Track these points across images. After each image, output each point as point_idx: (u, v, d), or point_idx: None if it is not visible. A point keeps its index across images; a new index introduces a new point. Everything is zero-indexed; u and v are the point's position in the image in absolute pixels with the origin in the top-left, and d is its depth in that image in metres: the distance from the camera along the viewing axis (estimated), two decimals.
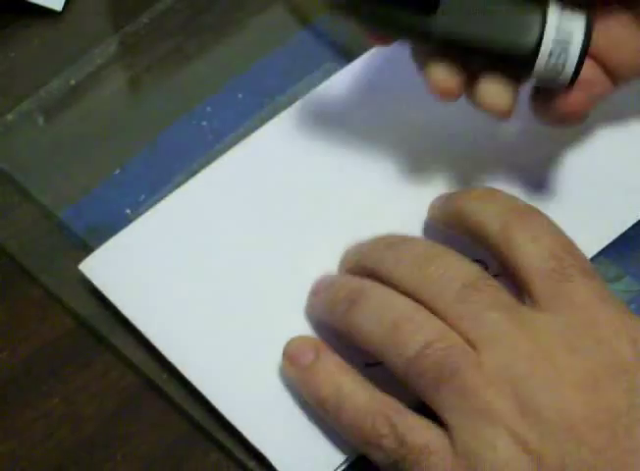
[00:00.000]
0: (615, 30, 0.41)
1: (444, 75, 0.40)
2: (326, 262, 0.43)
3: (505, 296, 0.37)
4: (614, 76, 0.42)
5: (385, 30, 0.40)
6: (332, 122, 0.47)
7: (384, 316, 0.38)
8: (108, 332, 0.43)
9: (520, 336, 0.36)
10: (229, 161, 0.46)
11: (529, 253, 0.37)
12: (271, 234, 0.44)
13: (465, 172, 0.46)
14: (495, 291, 0.37)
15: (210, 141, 0.48)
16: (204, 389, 0.41)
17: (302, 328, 0.42)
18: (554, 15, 0.39)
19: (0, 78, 0.50)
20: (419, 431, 0.36)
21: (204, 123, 0.49)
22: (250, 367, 0.41)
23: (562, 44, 0.39)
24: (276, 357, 0.41)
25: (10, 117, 0.49)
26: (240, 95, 0.49)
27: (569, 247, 0.38)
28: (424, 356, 0.36)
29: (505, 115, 0.40)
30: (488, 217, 0.39)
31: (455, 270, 0.38)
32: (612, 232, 0.45)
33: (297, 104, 0.48)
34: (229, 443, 0.41)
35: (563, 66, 0.39)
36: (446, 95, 0.40)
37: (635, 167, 0.47)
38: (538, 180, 0.46)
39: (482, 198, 0.40)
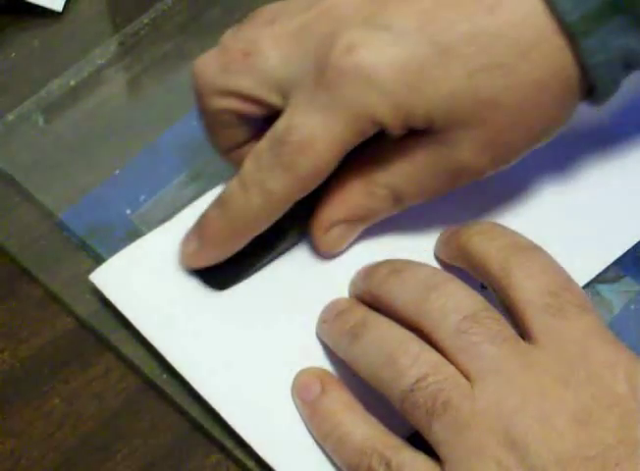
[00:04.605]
0: (413, 165, 0.41)
1: None
2: (341, 280, 0.43)
3: (504, 329, 0.37)
4: (402, 203, 0.42)
5: None
6: None
7: (381, 349, 0.38)
8: (108, 332, 0.43)
9: (515, 370, 0.36)
10: None
11: (526, 289, 0.38)
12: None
13: (468, 206, 0.46)
14: (494, 324, 0.37)
15: None
16: (216, 404, 0.41)
17: (306, 335, 0.42)
18: None
19: (0, 78, 0.50)
20: (413, 467, 0.36)
21: None
22: (253, 374, 0.41)
23: None
24: (277, 363, 0.41)
25: (10, 117, 0.49)
26: None
27: (566, 284, 0.38)
28: (418, 389, 0.36)
29: None
30: (489, 252, 0.39)
31: (457, 300, 0.38)
32: (612, 254, 0.45)
33: None
34: (229, 443, 0.41)
35: None
36: None
37: (635, 188, 0.47)
38: (548, 194, 0.46)
39: (484, 234, 0.41)
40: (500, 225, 0.41)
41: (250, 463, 0.41)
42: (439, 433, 0.36)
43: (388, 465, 0.36)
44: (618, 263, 0.45)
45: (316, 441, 0.40)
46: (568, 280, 0.38)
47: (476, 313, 0.37)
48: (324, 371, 0.41)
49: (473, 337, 0.36)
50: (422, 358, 0.37)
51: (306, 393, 0.40)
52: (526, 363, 0.36)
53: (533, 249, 0.39)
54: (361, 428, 0.38)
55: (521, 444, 0.34)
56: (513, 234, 0.40)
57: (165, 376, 0.42)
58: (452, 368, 0.36)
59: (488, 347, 0.36)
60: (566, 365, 0.36)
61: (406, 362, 0.37)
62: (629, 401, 0.35)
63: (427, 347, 0.37)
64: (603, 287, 0.45)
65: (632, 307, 0.44)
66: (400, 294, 0.39)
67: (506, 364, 0.36)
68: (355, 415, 0.39)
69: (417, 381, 0.36)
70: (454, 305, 0.37)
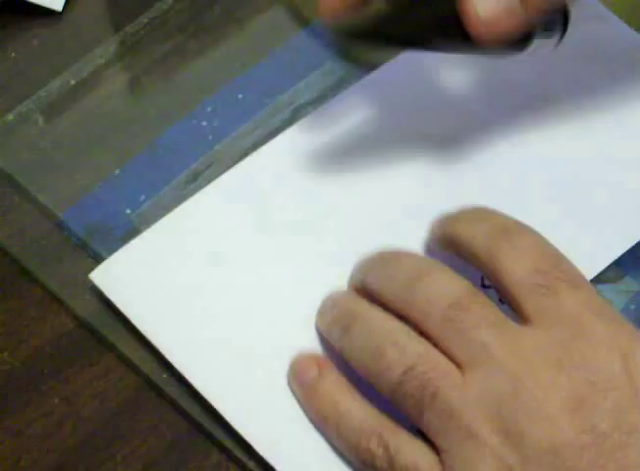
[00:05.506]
0: None
1: None
2: (338, 276, 0.43)
3: (492, 313, 0.37)
4: None
5: None
6: (343, 136, 0.47)
7: (370, 342, 0.38)
8: (108, 332, 0.43)
9: (506, 354, 0.36)
10: (241, 171, 0.46)
11: (514, 269, 0.37)
12: (284, 246, 0.44)
13: (475, 188, 0.46)
14: (481, 309, 0.37)
15: (210, 141, 0.48)
16: (217, 404, 0.41)
17: (305, 334, 0.42)
18: None
19: (0, 78, 0.50)
20: (410, 452, 0.36)
21: (204, 123, 0.49)
22: (254, 373, 0.41)
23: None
24: (278, 361, 0.42)
25: (10, 117, 0.49)
26: (239, 95, 0.49)
27: (556, 260, 0.38)
28: (406, 381, 0.36)
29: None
30: (475, 237, 0.39)
31: (443, 288, 0.37)
32: (612, 254, 0.45)
33: (312, 115, 0.48)
34: (229, 443, 0.41)
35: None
36: None
37: (635, 188, 0.47)
38: (549, 194, 0.46)
39: (469, 218, 0.40)
40: (485, 208, 0.41)
41: (251, 463, 0.41)
42: (431, 423, 0.36)
43: (386, 448, 0.36)
44: (618, 263, 0.45)
45: (315, 437, 0.40)
46: (558, 256, 0.38)
47: (461, 300, 0.37)
48: (319, 355, 0.41)
49: (460, 324, 0.36)
50: (409, 349, 0.37)
51: (303, 377, 0.40)
52: (516, 347, 0.36)
53: (519, 229, 0.39)
54: (360, 409, 0.38)
55: (514, 431, 0.34)
56: (498, 215, 0.40)
57: (165, 376, 0.42)
58: (440, 357, 0.36)
59: (475, 334, 0.36)
60: (560, 347, 0.35)
61: (394, 355, 0.37)
62: (625, 385, 0.35)
63: (415, 338, 0.37)
64: (603, 287, 0.45)
65: (632, 307, 0.44)
66: (388, 286, 0.39)
67: (495, 349, 0.36)
68: (353, 397, 0.39)
69: (405, 372, 0.36)
70: (440, 294, 0.37)
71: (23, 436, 0.42)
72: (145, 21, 0.52)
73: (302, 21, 0.51)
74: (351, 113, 0.48)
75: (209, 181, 0.47)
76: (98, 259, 0.45)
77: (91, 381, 0.43)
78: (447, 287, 0.38)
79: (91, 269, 0.43)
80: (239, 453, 0.41)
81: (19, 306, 0.45)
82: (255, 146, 0.47)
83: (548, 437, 0.34)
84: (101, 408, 0.42)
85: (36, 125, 0.49)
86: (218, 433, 0.41)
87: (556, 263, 0.37)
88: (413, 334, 0.37)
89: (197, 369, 0.41)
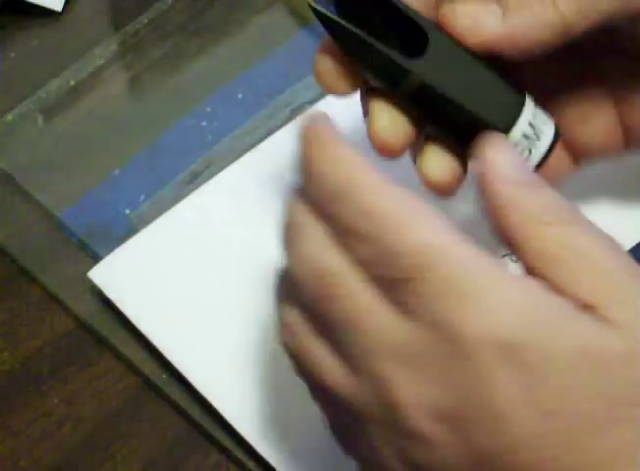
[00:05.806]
0: (585, 104, 0.40)
1: (390, 125, 0.36)
2: None
3: (353, 304, 0.30)
4: (577, 153, 0.41)
5: (359, 59, 0.37)
6: (342, 132, 0.47)
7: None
8: (108, 332, 0.43)
9: (369, 356, 0.30)
10: (238, 170, 0.46)
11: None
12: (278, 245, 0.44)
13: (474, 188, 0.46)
14: (343, 301, 0.31)
15: (210, 141, 0.48)
16: (217, 403, 0.41)
17: None
18: (530, 105, 0.37)
19: (0, 78, 0.50)
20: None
21: (204, 123, 0.49)
22: (253, 372, 0.41)
23: (532, 136, 0.38)
24: (278, 360, 0.41)
25: (10, 117, 0.49)
26: (239, 95, 0.49)
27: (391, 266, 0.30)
28: (299, 371, 0.33)
29: (444, 192, 0.36)
30: None
31: (305, 272, 0.32)
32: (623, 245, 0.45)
33: (310, 112, 0.48)
34: (229, 443, 0.41)
35: (527, 159, 0.38)
36: (386, 149, 0.36)
37: (635, 188, 0.47)
38: None
39: None
40: None
41: (251, 463, 0.41)
42: (336, 427, 0.33)
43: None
44: None
45: (315, 437, 0.40)
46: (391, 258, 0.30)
47: (322, 290, 0.31)
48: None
49: (323, 322, 0.31)
50: (299, 337, 0.32)
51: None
52: (381, 346, 0.30)
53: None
54: None
55: (397, 447, 0.30)
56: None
57: (165, 376, 0.42)
58: (324, 351, 0.32)
59: (340, 334, 0.31)
60: (429, 342, 0.29)
61: (286, 338, 0.33)
62: (507, 400, 0.28)
63: (305, 324, 0.32)
64: None
65: None
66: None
67: (362, 352, 0.30)
68: None
69: (294, 357, 0.33)
70: (303, 278, 0.32)
71: (23, 436, 0.42)
72: (145, 21, 0.52)
73: (302, 21, 0.51)
74: (350, 109, 0.48)
75: (209, 181, 0.47)
76: (97, 259, 0.45)
77: (91, 381, 0.43)
78: (307, 274, 0.32)
79: (91, 269, 0.44)
80: (238, 453, 0.41)
81: (19, 306, 0.45)
82: (255, 146, 0.47)
83: (425, 460, 0.29)
84: (101, 408, 0.42)
85: (36, 125, 0.49)
86: (218, 433, 0.41)
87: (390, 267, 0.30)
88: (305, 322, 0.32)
89: (197, 368, 0.41)
